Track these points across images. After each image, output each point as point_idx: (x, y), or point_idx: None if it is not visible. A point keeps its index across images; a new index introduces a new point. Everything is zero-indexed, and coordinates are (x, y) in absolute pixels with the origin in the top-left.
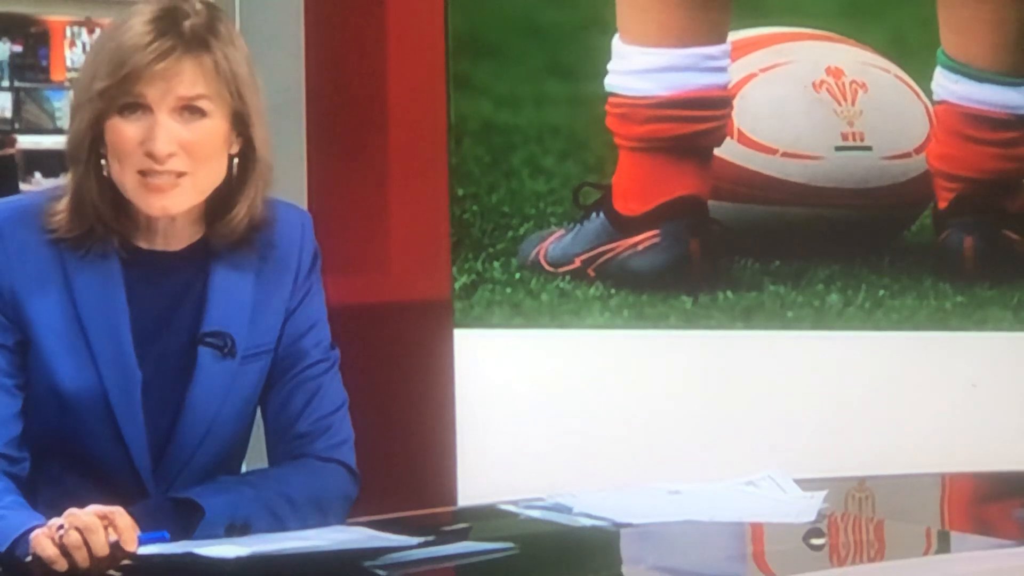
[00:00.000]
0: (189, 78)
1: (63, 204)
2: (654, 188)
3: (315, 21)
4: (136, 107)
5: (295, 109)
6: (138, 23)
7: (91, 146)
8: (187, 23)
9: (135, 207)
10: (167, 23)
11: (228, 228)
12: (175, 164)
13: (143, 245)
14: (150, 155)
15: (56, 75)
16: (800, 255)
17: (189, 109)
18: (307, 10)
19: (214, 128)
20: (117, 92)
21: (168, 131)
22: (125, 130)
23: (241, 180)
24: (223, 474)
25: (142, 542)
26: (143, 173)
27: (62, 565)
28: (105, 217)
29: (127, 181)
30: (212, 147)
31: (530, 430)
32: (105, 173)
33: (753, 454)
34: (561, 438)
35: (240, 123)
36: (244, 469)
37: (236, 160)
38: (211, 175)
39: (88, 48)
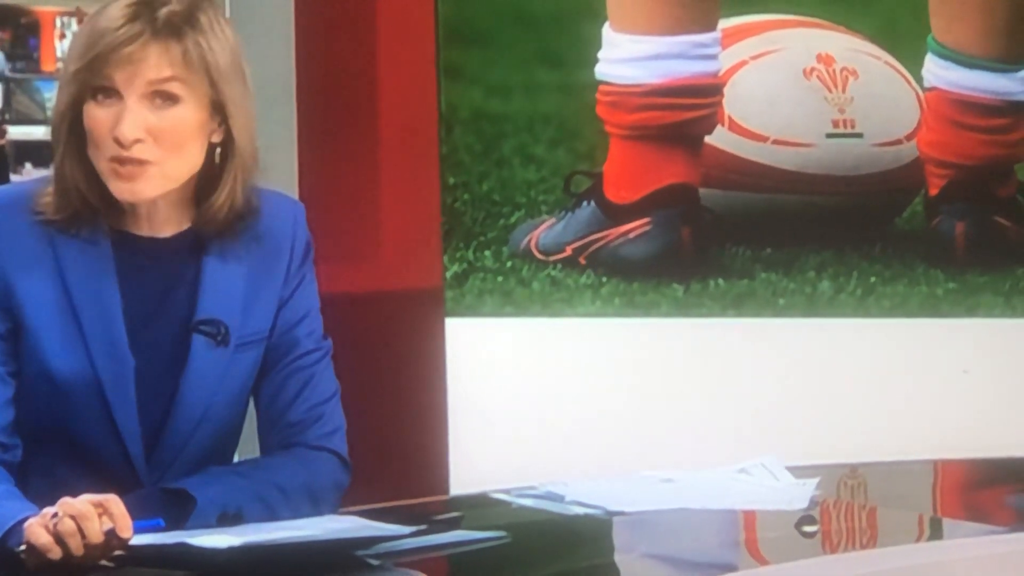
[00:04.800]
0: (155, 63)
1: (51, 189)
2: (645, 176)
3: (305, 10)
4: (109, 92)
5: (285, 98)
6: (115, 8)
7: (70, 129)
8: (163, 11)
9: None
10: (142, 9)
11: (209, 215)
12: (141, 151)
13: (133, 230)
14: (117, 140)
15: (46, 66)
16: (791, 242)
17: (160, 95)
18: None
19: (186, 116)
20: (87, 75)
21: (135, 116)
22: (98, 115)
23: (221, 168)
24: (216, 463)
25: (137, 530)
26: (113, 160)
27: (56, 553)
28: (90, 200)
29: (101, 166)
30: (182, 135)
31: (522, 418)
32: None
33: (745, 442)
34: (553, 426)
35: (220, 112)
36: (236, 459)
37: (219, 149)
38: (182, 163)
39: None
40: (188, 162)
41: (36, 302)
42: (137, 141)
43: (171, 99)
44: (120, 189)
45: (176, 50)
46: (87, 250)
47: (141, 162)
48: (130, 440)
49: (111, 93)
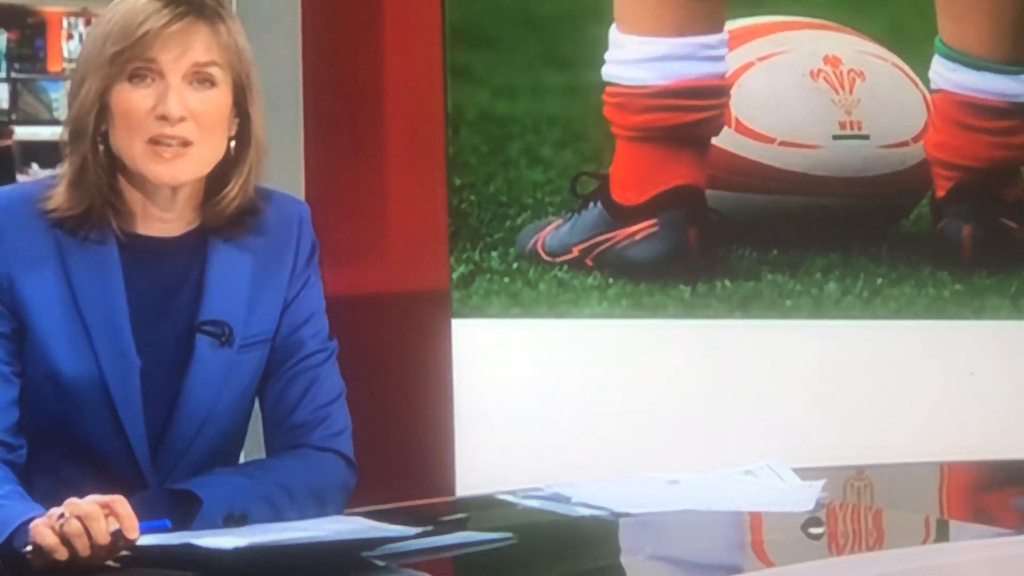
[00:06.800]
0: (204, 43)
1: (61, 186)
2: (652, 177)
3: (312, 11)
4: (146, 74)
5: (292, 99)
6: None
7: (97, 118)
8: None
9: (133, 188)
10: None
11: (220, 207)
12: (184, 130)
13: (141, 230)
14: (163, 117)
15: (53, 66)
16: (798, 244)
17: (199, 78)
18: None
19: (221, 99)
20: (130, 55)
21: (179, 95)
22: (134, 97)
23: (236, 160)
24: (221, 464)
25: (143, 530)
26: (153, 141)
27: (62, 554)
28: (104, 194)
29: (135, 150)
30: (218, 118)
31: (528, 420)
32: (103, 148)
33: (751, 443)
34: (559, 428)
35: (240, 99)
36: (242, 459)
37: (233, 142)
38: (215, 147)
39: (86, 36)
40: (219, 147)
41: (41, 302)
42: (182, 119)
43: (209, 81)
44: (159, 171)
45: (221, 30)
46: (93, 250)
47: (183, 142)
48: (135, 440)
49: (148, 74)
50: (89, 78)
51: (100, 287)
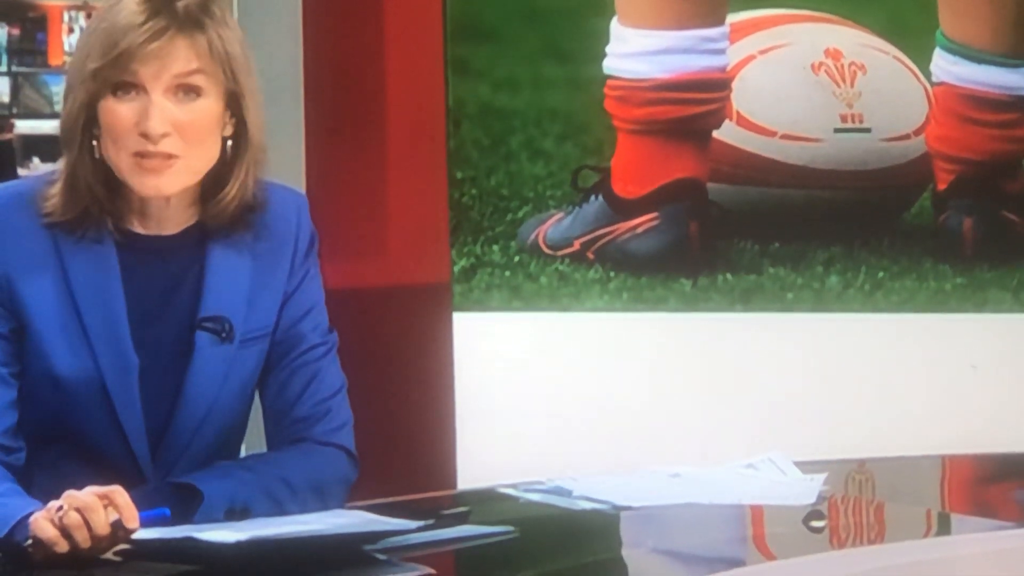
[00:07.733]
0: (184, 56)
1: (57, 188)
2: (653, 171)
3: (313, 5)
4: (130, 87)
5: (293, 93)
6: (131, 3)
7: (84, 127)
8: (180, 3)
9: (129, 189)
10: (160, 2)
11: (219, 209)
12: (168, 145)
13: (138, 229)
14: (144, 135)
15: (54, 60)
16: (799, 237)
17: (184, 89)
18: None
19: (208, 108)
20: (111, 72)
21: (162, 111)
22: (119, 111)
23: (233, 162)
24: (222, 459)
25: (143, 520)
26: (138, 154)
27: (63, 546)
28: (99, 198)
29: (122, 162)
30: (206, 128)
31: (529, 413)
32: (97, 155)
33: (753, 437)
34: (560, 421)
35: (234, 104)
36: (243, 453)
37: (230, 142)
38: (204, 157)
39: (78, 39)
40: (209, 155)
41: (40, 302)
42: (165, 135)
43: (194, 92)
44: (144, 184)
45: (202, 42)
46: (91, 250)
47: (168, 156)
48: (135, 439)
49: (132, 88)
50: (75, 90)
51: (98, 286)
